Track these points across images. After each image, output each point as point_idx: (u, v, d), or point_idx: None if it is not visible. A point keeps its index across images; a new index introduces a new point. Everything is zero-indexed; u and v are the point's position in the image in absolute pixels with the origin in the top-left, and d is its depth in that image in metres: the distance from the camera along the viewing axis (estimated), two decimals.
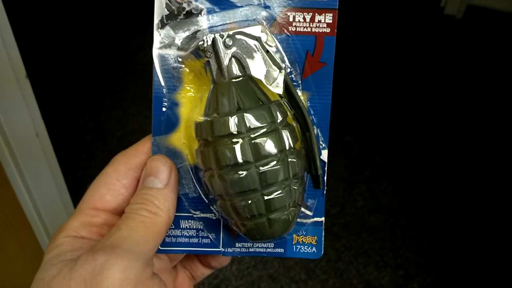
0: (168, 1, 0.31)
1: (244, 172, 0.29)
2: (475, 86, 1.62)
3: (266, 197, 0.30)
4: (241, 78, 0.31)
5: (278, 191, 0.30)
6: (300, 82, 0.33)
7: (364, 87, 1.62)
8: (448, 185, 1.38)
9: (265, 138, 0.29)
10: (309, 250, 0.35)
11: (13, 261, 0.90)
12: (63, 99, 1.55)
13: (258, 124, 0.29)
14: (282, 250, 0.35)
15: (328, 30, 0.32)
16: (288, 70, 0.33)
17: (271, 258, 1.23)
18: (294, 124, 0.32)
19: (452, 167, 1.42)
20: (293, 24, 0.32)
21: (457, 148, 1.46)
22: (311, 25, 0.32)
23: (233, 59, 0.30)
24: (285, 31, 0.32)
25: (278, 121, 0.30)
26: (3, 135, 0.85)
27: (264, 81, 0.31)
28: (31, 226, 0.97)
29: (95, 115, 1.52)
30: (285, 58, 0.32)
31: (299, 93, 0.33)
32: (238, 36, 0.30)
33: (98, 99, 1.57)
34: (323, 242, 0.35)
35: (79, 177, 1.38)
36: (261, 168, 0.29)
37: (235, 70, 0.30)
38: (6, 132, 0.85)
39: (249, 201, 0.30)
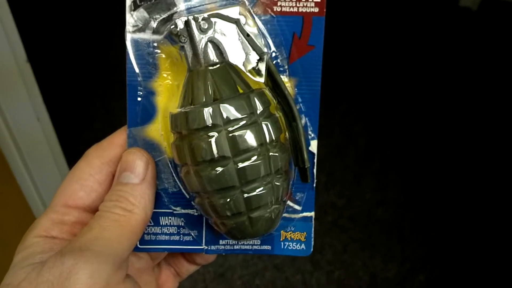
0: None
1: (221, 168, 0.27)
2: (490, 78, 1.58)
3: (246, 195, 0.28)
4: (218, 65, 0.28)
5: (259, 188, 0.28)
6: (286, 67, 0.30)
7: (373, 78, 1.59)
8: (457, 178, 1.35)
9: (244, 131, 0.27)
10: (298, 247, 0.33)
11: (12, 245, 0.90)
12: (66, 85, 1.52)
13: (236, 116, 0.27)
14: (269, 247, 0.33)
15: (317, 9, 0.30)
16: (273, 54, 0.30)
17: None
18: (279, 114, 0.30)
19: (461, 160, 1.39)
20: (278, 4, 0.29)
21: (467, 141, 1.43)
22: (297, 5, 0.30)
23: (209, 44, 0.28)
24: (270, 11, 0.30)
25: (259, 111, 0.28)
26: (5, 121, 0.84)
27: (243, 68, 0.29)
28: (33, 213, 0.96)
29: (105, 102, 1.49)
30: (270, 41, 0.30)
31: (286, 79, 0.30)
32: (214, 19, 0.28)
33: (107, 87, 1.54)
34: (312, 239, 0.33)
35: None
36: (239, 163, 0.27)
37: (212, 56, 0.28)
38: (8, 119, 0.84)
39: (228, 199, 0.28)
